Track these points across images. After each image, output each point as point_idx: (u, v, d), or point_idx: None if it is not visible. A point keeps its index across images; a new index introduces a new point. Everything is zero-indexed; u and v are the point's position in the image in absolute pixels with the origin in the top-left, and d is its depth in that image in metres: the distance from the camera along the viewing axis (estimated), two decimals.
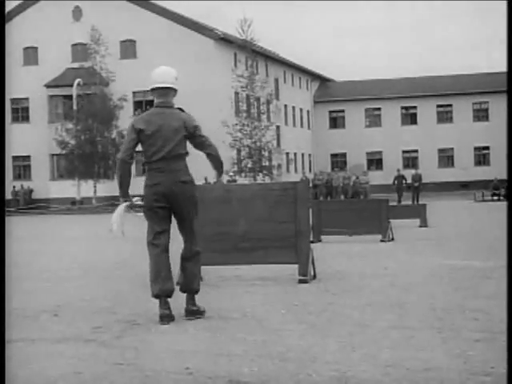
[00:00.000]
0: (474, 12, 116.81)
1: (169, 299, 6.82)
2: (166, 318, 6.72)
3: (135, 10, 51.62)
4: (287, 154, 59.74)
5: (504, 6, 8.47)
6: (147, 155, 6.93)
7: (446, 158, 66.76)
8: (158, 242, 6.86)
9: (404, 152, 66.73)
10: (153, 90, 7.02)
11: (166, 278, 6.81)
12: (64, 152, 48.83)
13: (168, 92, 7.02)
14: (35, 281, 10.43)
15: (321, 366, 4.99)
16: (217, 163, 7.13)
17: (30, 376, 5.02)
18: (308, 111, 68.66)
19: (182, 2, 58.93)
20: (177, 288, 7.05)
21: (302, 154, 66.01)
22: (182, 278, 7.21)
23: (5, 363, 5.14)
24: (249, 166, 48.78)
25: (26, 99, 53.61)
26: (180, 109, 7.06)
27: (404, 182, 43.14)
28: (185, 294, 7.05)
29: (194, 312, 6.95)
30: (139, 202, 7.05)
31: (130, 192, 7.06)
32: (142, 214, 7.05)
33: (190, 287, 6.99)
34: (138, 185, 8.12)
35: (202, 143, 6.99)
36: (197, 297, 7.06)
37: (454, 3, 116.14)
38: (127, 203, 7.03)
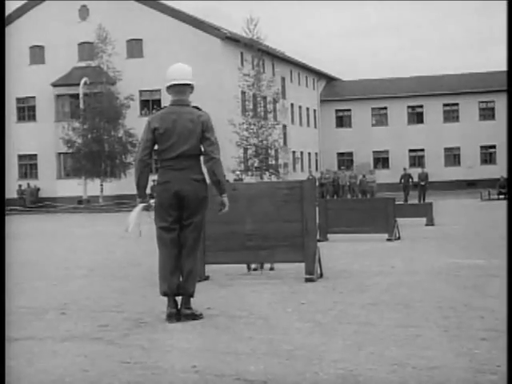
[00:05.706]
0: (479, 10, 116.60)
1: (177, 298, 6.78)
2: (174, 316, 6.71)
3: (142, 8, 51.60)
4: (294, 152, 59.74)
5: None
6: (160, 152, 6.84)
7: (453, 156, 66.63)
8: (167, 239, 6.79)
9: (410, 151, 66.62)
10: (169, 87, 6.89)
11: (172, 275, 6.75)
12: (71, 151, 48.83)
13: (185, 89, 6.89)
14: (42, 279, 10.44)
15: (327, 365, 5.00)
16: (212, 178, 6.83)
17: (36, 374, 5.03)
18: (314, 110, 68.60)
19: (181, 1, 58.72)
20: None
21: (309, 153, 65.95)
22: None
23: (4, 362, 5.16)
24: (255, 164, 48.73)
25: (33, 98, 53.61)
26: (196, 107, 6.92)
27: (410, 180, 43.07)
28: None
29: (187, 316, 6.74)
30: (153, 203, 6.99)
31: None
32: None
33: (186, 290, 6.79)
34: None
35: (206, 152, 6.79)
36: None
37: (460, 1, 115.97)
38: (144, 204, 6.92)
